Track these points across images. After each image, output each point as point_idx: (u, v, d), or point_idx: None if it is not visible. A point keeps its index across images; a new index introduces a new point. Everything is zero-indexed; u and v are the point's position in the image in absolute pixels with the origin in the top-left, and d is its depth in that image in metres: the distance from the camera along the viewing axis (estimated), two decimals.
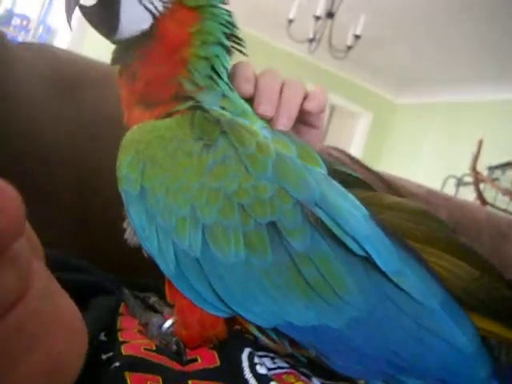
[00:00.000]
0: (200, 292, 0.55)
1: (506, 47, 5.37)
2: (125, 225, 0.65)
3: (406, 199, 0.65)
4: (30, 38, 5.73)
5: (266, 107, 0.67)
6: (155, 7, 0.63)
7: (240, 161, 0.56)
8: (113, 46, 0.68)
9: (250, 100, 0.69)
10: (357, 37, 5.00)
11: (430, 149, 7.29)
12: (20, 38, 5.70)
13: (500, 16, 4.80)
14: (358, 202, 0.58)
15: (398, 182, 1.38)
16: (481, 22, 5.04)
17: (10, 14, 5.90)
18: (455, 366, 0.53)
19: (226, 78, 0.67)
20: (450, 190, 6.05)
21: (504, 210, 5.08)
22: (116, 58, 0.68)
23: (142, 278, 0.81)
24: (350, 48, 5.14)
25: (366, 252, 0.53)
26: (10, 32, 5.67)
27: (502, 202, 5.30)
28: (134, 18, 0.63)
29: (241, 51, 0.70)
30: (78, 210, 0.96)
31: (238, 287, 0.54)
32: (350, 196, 0.58)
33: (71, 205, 0.95)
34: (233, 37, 0.69)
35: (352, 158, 1.32)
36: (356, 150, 8.23)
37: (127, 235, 0.65)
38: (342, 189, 0.59)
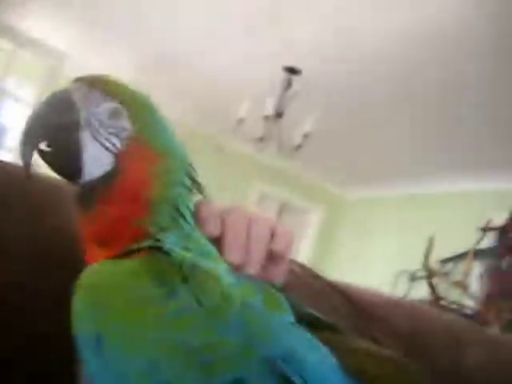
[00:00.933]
0: None
1: (456, 138, 5.61)
2: (79, 371, 0.60)
3: (372, 345, 0.63)
4: None
5: (235, 256, 0.65)
6: (113, 145, 0.62)
7: (202, 313, 0.52)
8: None
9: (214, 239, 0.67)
10: (305, 136, 5.11)
11: (381, 243, 7.37)
12: None
13: (448, 106, 5.03)
14: (326, 352, 0.55)
15: (358, 293, 1.32)
16: (429, 113, 5.29)
17: None
18: None
19: (189, 218, 0.65)
20: (402, 285, 6.06)
21: (455, 303, 5.11)
22: (78, 201, 0.64)
23: None
24: (299, 147, 5.24)
25: None
26: None
27: (453, 294, 5.33)
28: (96, 160, 0.61)
29: (201, 193, 0.69)
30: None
31: None
32: (318, 345, 0.56)
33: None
34: (192, 179, 0.68)
35: (311, 272, 1.28)
36: (306, 247, 8.26)
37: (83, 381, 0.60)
38: (310, 338, 0.56)
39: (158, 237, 0.60)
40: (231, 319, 0.52)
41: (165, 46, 5.61)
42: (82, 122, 0.61)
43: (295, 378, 0.50)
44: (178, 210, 0.64)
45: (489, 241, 5.48)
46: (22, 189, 0.96)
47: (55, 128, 0.60)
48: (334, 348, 0.56)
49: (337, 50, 4.76)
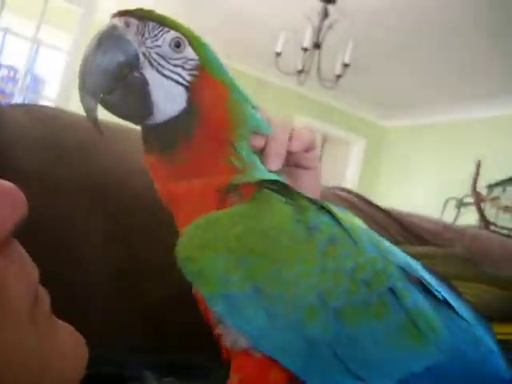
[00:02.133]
0: (334, 377, 0.52)
1: (501, 63, 5.39)
2: (218, 331, 0.56)
3: (434, 247, 0.72)
4: (17, 89, 5.71)
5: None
6: (182, 78, 0.58)
7: (346, 236, 0.56)
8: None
9: None
10: (345, 65, 5.01)
11: (426, 171, 7.25)
12: (8, 90, 5.68)
13: (497, 32, 4.83)
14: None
15: (409, 219, 1.33)
16: (474, 38, 5.08)
17: None
18: None
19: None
20: (450, 212, 6.01)
21: (506, 228, 5.05)
22: (152, 141, 0.61)
23: (168, 355, 0.78)
24: (339, 77, 5.14)
25: (444, 298, 0.58)
26: None
27: (503, 220, 5.26)
28: (168, 97, 0.58)
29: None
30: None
31: (373, 358, 0.53)
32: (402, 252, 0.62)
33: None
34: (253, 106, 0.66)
35: (360, 197, 1.28)
36: (351, 178, 8.21)
37: (230, 341, 0.55)
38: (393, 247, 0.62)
39: (249, 173, 0.60)
40: (365, 239, 0.57)
41: None
42: (142, 59, 0.56)
43: (422, 279, 0.57)
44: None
45: None
46: (72, 135, 0.98)
47: (114, 73, 0.55)
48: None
49: None
